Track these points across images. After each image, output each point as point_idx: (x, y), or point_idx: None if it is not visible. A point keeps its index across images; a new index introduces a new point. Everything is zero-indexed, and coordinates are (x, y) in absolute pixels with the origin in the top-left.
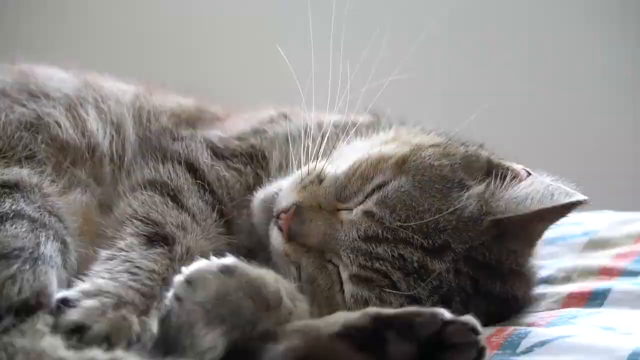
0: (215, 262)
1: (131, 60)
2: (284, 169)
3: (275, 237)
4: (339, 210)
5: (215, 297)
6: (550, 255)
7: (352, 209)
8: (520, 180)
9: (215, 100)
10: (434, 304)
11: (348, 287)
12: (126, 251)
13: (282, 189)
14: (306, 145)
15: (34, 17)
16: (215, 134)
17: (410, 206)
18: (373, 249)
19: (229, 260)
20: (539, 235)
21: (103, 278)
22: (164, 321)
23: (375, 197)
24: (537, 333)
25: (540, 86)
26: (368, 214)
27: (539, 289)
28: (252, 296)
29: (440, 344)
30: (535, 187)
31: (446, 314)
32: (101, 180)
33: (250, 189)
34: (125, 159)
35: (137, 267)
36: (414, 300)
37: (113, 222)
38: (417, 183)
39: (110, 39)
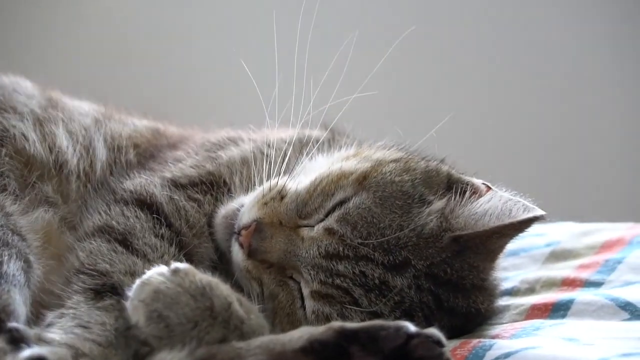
0: (168, 266)
1: (89, 75)
2: (246, 191)
3: (237, 253)
4: (300, 227)
5: (153, 292)
6: (514, 266)
7: (313, 226)
8: (480, 196)
9: (174, 116)
10: (397, 320)
11: (309, 304)
12: (74, 308)
13: (243, 205)
14: (268, 162)
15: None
16: (171, 164)
17: (372, 223)
18: (334, 266)
19: (182, 265)
20: (499, 250)
21: (56, 334)
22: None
23: (336, 214)
24: (501, 345)
25: (502, 100)
26: (329, 231)
27: (503, 301)
28: (193, 294)
29: (405, 357)
30: (493, 203)
31: (411, 327)
32: (67, 197)
33: (211, 216)
34: (93, 177)
35: (87, 321)
36: (376, 316)
37: (60, 279)
38: (378, 199)
39: (70, 50)
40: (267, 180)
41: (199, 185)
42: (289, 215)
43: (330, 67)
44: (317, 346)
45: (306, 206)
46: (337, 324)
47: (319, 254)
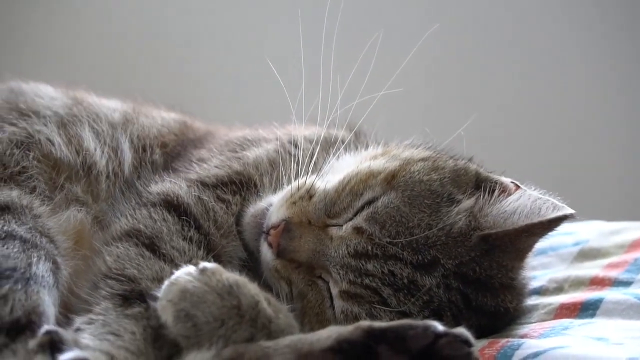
0: (197, 266)
1: (117, 74)
2: (274, 191)
3: (265, 253)
4: (328, 226)
5: (180, 291)
6: (542, 265)
7: (341, 225)
8: (509, 194)
9: (198, 115)
10: (425, 319)
11: (338, 303)
12: (103, 315)
13: (272, 205)
14: (295, 162)
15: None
16: (195, 164)
17: (400, 222)
18: (363, 265)
19: (209, 264)
20: (528, 248)
21: (89, 339)
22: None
23: (364, 213)
24: (530, 345)
25: (528, 97)
26: (358, 230)
27: (531, 300)
28: (220, 293)
29: (433, 356)
30: (522, 201)
31: (439, 326)
32: (97, 196)
33: (238, 215)
34: (122, 177)
35: (117, 329)
36: (405, 315)
37: (88, 283)
38: (407, 198)
39: (95, 52)
40: (295, 180)
41: (228, 186)
42: (317, 214)
43: (356, 66)
44: (345, 346)
45: (335, 205)
46: (365, 323)
47: (348, 253)
